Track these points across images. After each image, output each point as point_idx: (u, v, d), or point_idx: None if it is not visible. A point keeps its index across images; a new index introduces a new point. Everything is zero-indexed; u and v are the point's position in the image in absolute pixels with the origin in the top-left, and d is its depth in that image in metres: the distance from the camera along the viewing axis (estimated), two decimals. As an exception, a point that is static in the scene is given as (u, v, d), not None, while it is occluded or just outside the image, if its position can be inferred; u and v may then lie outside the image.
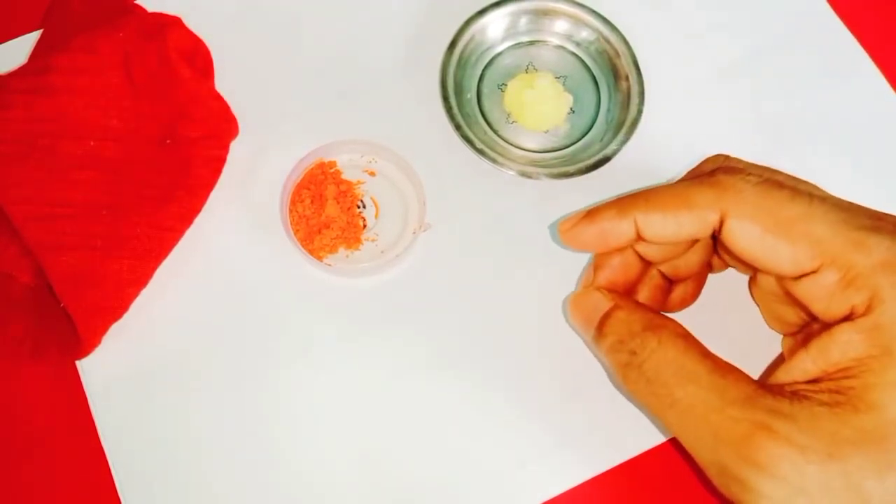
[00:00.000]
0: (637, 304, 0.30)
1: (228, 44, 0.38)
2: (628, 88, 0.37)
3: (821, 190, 0.28)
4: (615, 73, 0.38)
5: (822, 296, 0.27)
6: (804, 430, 0.25)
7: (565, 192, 0.36)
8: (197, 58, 0.37)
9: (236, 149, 0.36)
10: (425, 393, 0.33)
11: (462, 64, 0.38)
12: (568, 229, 0.30)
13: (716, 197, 0.27)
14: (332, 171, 0.36)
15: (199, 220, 0.35)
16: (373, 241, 0.35)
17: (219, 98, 0.36)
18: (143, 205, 0.33)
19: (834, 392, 0.26)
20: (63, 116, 0.34)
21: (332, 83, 0.38)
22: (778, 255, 0.27)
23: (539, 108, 0.37)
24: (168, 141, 0.34)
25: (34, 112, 0.33)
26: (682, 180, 0.29)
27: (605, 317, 0.29)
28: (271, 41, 0.39)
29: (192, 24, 0.37)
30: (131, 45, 0.35)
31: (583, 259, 0.35)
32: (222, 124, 0.35)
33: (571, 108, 0.38)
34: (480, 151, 0.36)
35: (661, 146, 0.37)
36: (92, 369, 0.33)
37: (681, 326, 0.28)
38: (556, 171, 0.36)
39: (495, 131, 0.38)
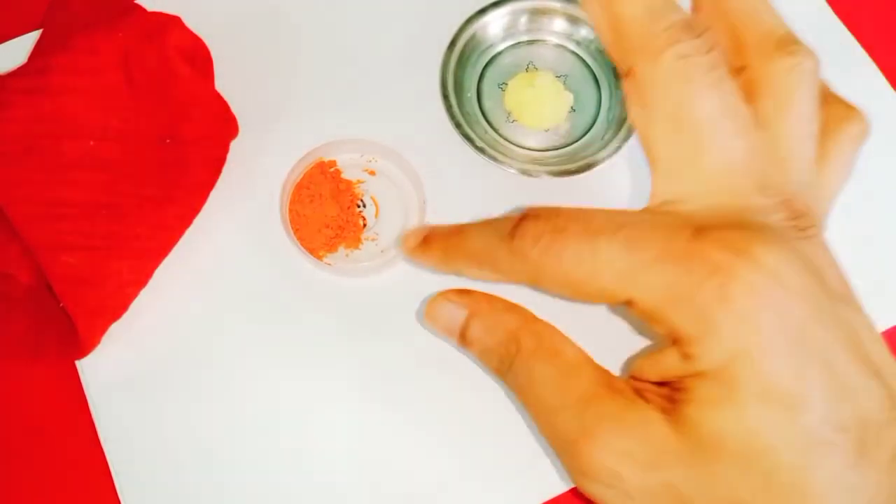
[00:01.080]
0: (490, 303, 0.28)
1: (228, 44, 0.38)
2: None
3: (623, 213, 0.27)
4: (615, 71, 0.38)
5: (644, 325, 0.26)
6: (628, 437, 0.25)
7: (566, 190, 0.36)
8: (197, 58, 0.37)
9: (236, 149, 0.36)
10: (425, 392, 0.33)
11: (462, 63, 0.38)
12: (409, 249, 0.29)
13: (513, 268, 0.26)
14: (331, 170, 0.36)
15: (199, 220, 0.35)
16: (373, 240, 0.35)
17: (219, 98, 0.36)
18: (142, 205, 0.33)
19: (668, 400, 0.25)
20: (63, 116, 0.34)
21: (331, 83, 0.38)
22: (589, 302, 0.26)
23: (539, 107, 0.37)
24: (168, 141, 0.34)
25: (34, 112, 0.33)
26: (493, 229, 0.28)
27: (464, 328, 0.28)
28: (271, 41, 0.39)
29: (191, 24, 0.37)
30: (131, 45, 0.35)
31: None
32: (222, 124, 0.35)
33: (572, 107, 0.38)
34: (481, 150, 0.36)
35: None
36: (92, 369, 0.33)
37: (536, 323, 0.28)
38: (557, 168, 0.36)
39: (496, 130, 0.38)
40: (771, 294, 0.23)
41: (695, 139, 0.25)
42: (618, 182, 0.36)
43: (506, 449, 0.32)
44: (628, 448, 0.25)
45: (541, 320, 0.28)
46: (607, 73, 0.39)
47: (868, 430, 0.23)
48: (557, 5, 0.39)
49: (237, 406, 0.33)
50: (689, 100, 0.25)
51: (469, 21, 0.38)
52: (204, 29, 0.37)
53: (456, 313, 0.29)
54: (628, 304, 0.25)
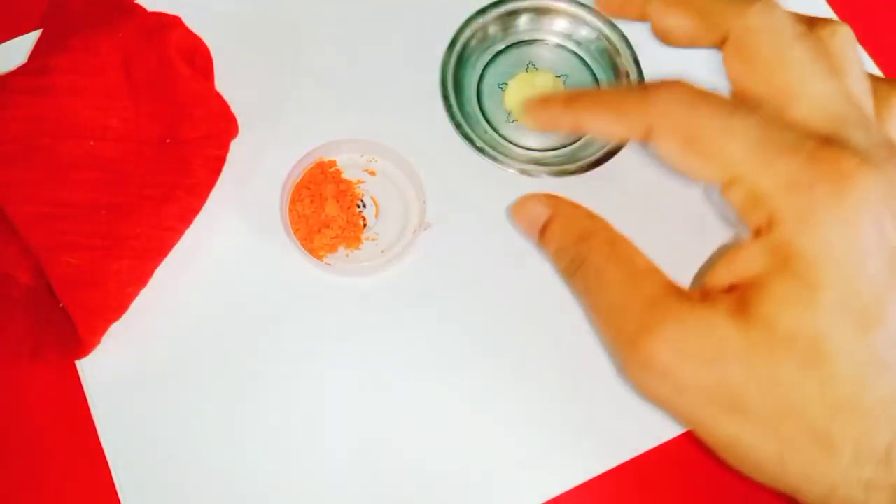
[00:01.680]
0: (572, 208, 0.31)
1: (228, 44, 0.38)
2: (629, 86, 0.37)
3: (756, 107, 0.28)
4: (616, 72, 0.38)
5: (737, 209, 0.27)
6: (690, 335, 0.26)
7: (566, 190, 0.36)
8: (197, 58, 0.37)
9: (236, 148, 0.36)
10: (425, 392, 0.33)
11: (462, 63, 0.38)
12: (529, 109, 0.31)
13: (643, 110, 0.28)
14: (331, 170, 0.36)
15: (199, 220, 0.35)
16: (373, 240, 0.35)
17: (219, 98, 0.36)
18: (142, 205, 0.33)
19: (738, 301, 0.26)
20: (63, 116, 0.34)
21: (331, 82, 0.38)
22: (692, 170, 0.28)
23: None
24: (168, 141, 0.34)
25: (34, 112, 0.33)
26: (630, 86, 0.30)
27: (546, 225, 0.31)
28: (271, 41, 0.39)
29: (191, 24, 0.37)
30: (131, 45, 0.35)
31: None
32: (222, 124, 0.35)
33: None
34: (481, 150, 0.36)
35: None
36: (92, 369, 0.33)
37: (611, 231, 0.29)
38: (556, 168, 0.36)
39: (496, 130, 0.38)
40: (880, 213, 0.25)
41: (793, 80, 0.27)
42: (618, 183, 0.36)
43: (506, 449, 0.32)
44: (687, 344, 0.26)
45: (617, 231, 0.30)
46: (607, 73, 0.39)
47: None
48: (558, 5, 0.39)
49: (237, 405, 0.33)
50: (782, 47, 0.27)
51: (469, 21, 0.38)
52: (204, 29, 0.37)
53: (540, 210, 0.31)
54: (735, 183, 0.26)
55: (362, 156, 0.37)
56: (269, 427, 0.32)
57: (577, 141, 0.38)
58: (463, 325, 0.34)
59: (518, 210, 0.32)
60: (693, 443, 0.33)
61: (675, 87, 0.28)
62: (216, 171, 0.35)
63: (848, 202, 0.25)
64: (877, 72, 0.40)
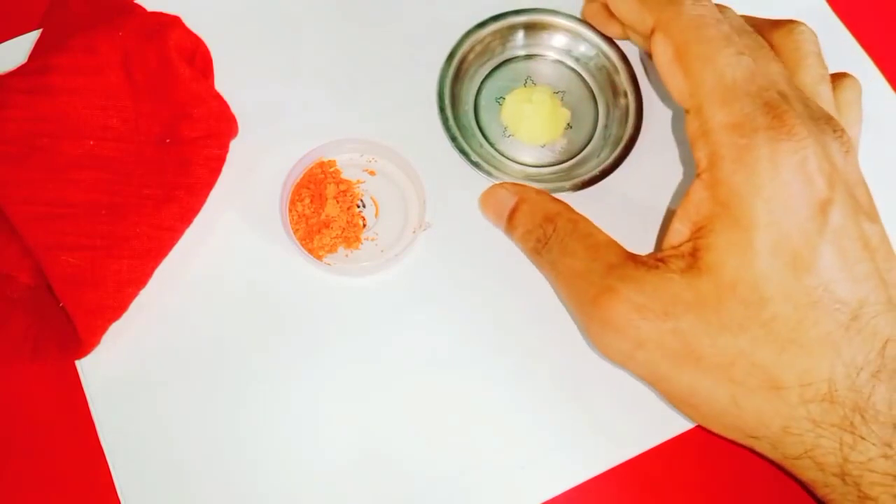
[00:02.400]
0: (537, 194, 0.33)
1: (228, 44, 0.38)
2: (626, 105, 0.37)
3: (760, 52, 0.30)
4: (614, 90, 0.38)
5: (689, 139, 0.29)
6: (646, 292, 0.28)
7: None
8: (197, 58, 0.37)
9: (236, 148, 0.36)
10: (425, 392, 0.33)
11: (460, 76, 0.38)
12: None
13: (660, 7, 0.30)
14: (331, 170, 0.36)
15: (199, 220, 0.35)
16: (372, 240, 0.35)
17: (219, 98, 0.36)
18: (142, 204, 0.33)
19: (689, 256, 0.29)
20: (63, 116, 0.34)
21: (331, 83, 0.38)
22: (673, 82, 0.30)
23: (536, 123, 0.37)
24: (168, 140, 0.34)
25: (34, 112, 0.33)
26: None
27: (513, 211, 0.33)
28: (271, 41, 0.39)
29: (191, 24, 0.37)
30: (131, 45, 0.35)
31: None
32: (222, 124, 0.35)
33: (569, 124, 0.38)
34: (476, 164, 0.36)
35: (658, 163, 0.37)
36: (91, 369, 0.33)
37: (574, 213, 0.32)
38: (551, 185, 0.35)
39: (492, 144, 0.37)
40: (811, 168, 0.27)
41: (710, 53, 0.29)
42: (612, 201, 0.36)
43: (506, 449, 0.32)
44: (645, 300, 0.28)
45: (578, 213, 0.32)
46: (605, 91, 0.38)
47: (862, 310, 0.27)
48: (557, 21, 0.38)
49: (237, 405, 0.33)
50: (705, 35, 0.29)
51: (468, 34, 0.38)
52: (204, 29, 0.37)
53: (507, 199, 0.34)
54: (695, 111, 0.28)
55: (362, 156, 0.37)
56: (269, 427, 0.32)
57: (572, 158, 0.37)
58: (463, 325, 0.34)
59: (486, 199, 0.35)
60: (693, 443, 0.33)
61: (699, 1, 0.30)
62: (216, 171, 0.35)
63: (782, 149, 0.27)
64: (877, 72, 0.40)
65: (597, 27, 0.38)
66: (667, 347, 0.28)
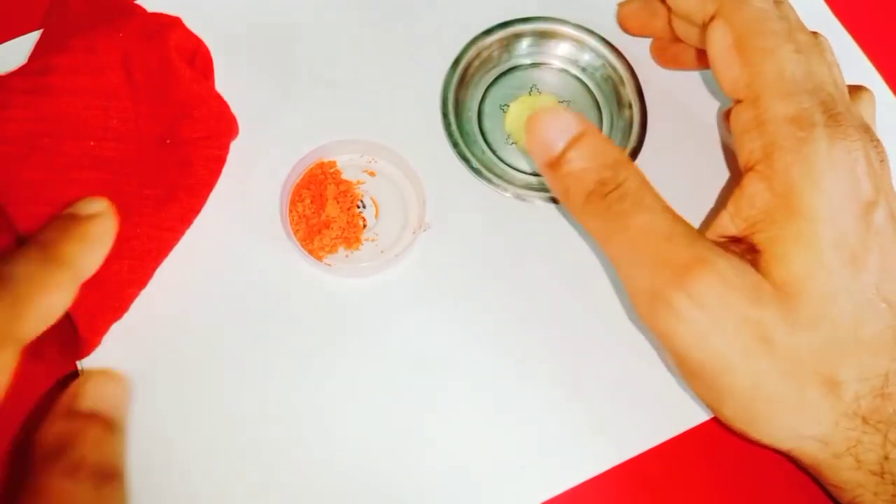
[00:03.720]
0: (602, 134, 0.29)
1: (228, 44, 0.38)
2: (630, 117, 0.37)
3: (813, 51, 0.30)
4: (619, 101, 0.38)
5: (737, 130, 0.29)
6: (739, 273, 0.27)
7: (561, 217, 0.36)
8: (197, 58, 0.37)
9: (236, 149, 0.36)
10: (425, 393, 0.33)
11: (465, 82, 0.38)
12: None
13: None
14: (331, 170, 0.36)
15: (199, 220, 0.35)
16: (372, 240, 0.35)
17: (219, 98, 0.36)
18: (143, 205, 0.33)
19: (750, 250, 0.28)
20: (63, 116, 0.34)
21: (332, 83, 0.38)
22: (727, 71, 0.29)
23: None
24: (168, 141, 0.34)
25: (34, 112, 0.33)
26: None
27: (575, 140, 0.28)
28: (271, 41, 0.39)
29: (191, 24, 0.37)
30: (131, 46, 0.35)
31: (584, 261, 0.35)
32: (222, 124, 0.35)
33: None
34: (477, 171, 0.36)
35: (661, 178, 0.37)
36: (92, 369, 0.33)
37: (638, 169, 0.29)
38: (552, 195, 0.36)
39: (494, 151, 0.37)
40: (859, 169, 0.27)
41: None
42: None
43: (506, 448, 0.32)
44: (739, 282, 0.27)
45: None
46: (610, 101, 0.38)
47: None
48: (564, 30, 0.38)
49: (237, 406, 0.33)
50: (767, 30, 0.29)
51: (474, 41, 0.38)
52: (204, 29, 0.37)
53: (570, 123, 0.28)
54: (750, 102, 0.28)
55: (362, 156, 0.37)
56: (270, 427, 0.32)
57: None
58: (463, 326, 0.34)
59: (539, 120, 0.29)
60: (693, 443, 0.33)
61: None
62: (216, 172, 0.35)
63: (838, 147, 0.27)
64: (875, 74, 0.40)
65: (633, 29, 0.37)
66: (745, 335, 0.27)
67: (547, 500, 0.32)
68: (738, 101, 0.29)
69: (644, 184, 0.28)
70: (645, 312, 0.28)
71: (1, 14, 0.40)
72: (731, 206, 0.29)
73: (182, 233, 0.34)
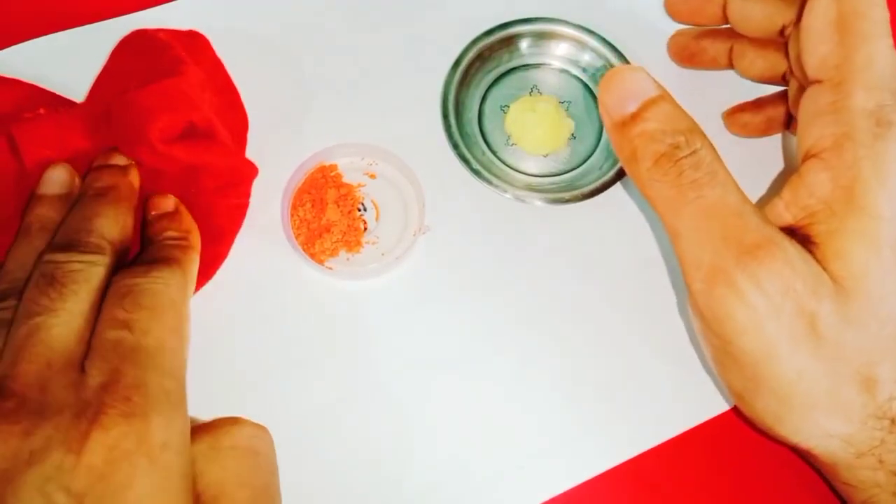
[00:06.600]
0: (680, 106, 0.29)
1: (230, 48, 0.38)
2: None
3: None
4: None
5: (808, 112, 0.28)
6: (805, 262, 0.26)
7: (562, 218, 0.36)
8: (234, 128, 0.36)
9: (238, 153, 0.37)
10: (425, 394, 0.33)
11: (465, 83, 0.38)
12: None
13: None
14: (332, 174, 0.36)
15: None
16: (373, 243, 0.36)
17: (246, 161, 0.35)
18: None
19: (806, 240, 0.27)
20: None
21: (333, 86, 0.38)
22: (819, 46, 0.28)
23: (539, 132, 0.37)
24: (193, 190, 0.34)
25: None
26: None
27: (651, 102, 0.28)
28: (273, 45, 0.39)
29: (191, 26, 0.37)
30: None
31: (583, 260, 0.35)
32: (242, 173, 0.35)
33: (573, 134, 0.38)
34: (476, 172, 0.36)
35: None
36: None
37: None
38: (552, 195, 0.36)
39: (494, 152, 0.38)
40: None
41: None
42: (613, 214, 0.36)
43: (506, 449, 0.33)
44: (805, 270, 0.26)
45: None
46: None
47: None
48: (563, 30, 0.38)
49: (238, 409, 0.33)
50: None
51: (475, 41, 0.38)
52: (205, 33, 0.37)
53: (648, 85, 0.28)
54: (836, 83, 0.27)
55: (363, 159, 0.37)
56: (271, 430, 0.33)
57: (575, 169, 0.37)
58: (463, 327, 0.34)
59: (616, 78, 0.28)
60: (693, 443, 0.33)
61: None
62: (238, 219, 0.35)
63: None
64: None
65: (681, 15, 0.37)
66: (798, 326, 0.26)
67: (547, 500, 0.32)
68: (816, 82, 0.28)
69: (718, 157, 0.27)
70: (700, 290, 0.27)
71: (0, 17, 0.40)
72: (786, 194, 0.28)
73: (208, 278, 0.34)
